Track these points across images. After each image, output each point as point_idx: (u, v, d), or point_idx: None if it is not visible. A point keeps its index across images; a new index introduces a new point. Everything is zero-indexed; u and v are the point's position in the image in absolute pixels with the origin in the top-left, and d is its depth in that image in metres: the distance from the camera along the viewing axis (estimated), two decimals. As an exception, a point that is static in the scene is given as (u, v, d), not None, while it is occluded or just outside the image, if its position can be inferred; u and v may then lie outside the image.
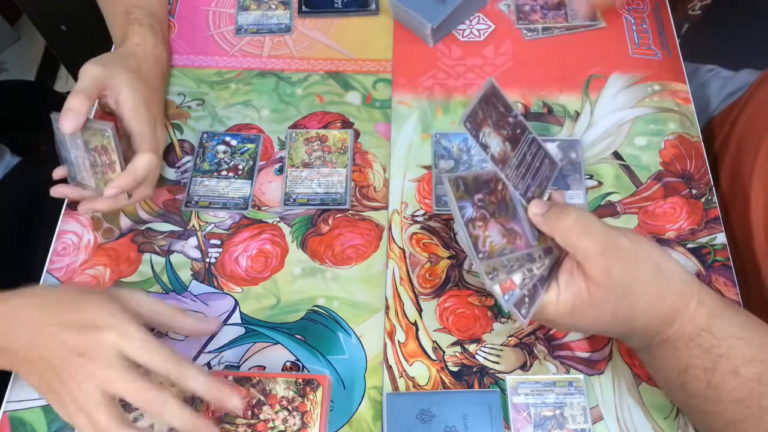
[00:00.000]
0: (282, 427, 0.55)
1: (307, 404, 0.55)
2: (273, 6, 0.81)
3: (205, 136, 0.72)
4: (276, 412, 0.55)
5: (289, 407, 0.55)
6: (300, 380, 0.56)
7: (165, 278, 0.63)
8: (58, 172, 0.64)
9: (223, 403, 0.50)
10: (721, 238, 0.64)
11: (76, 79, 0.62)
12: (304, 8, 0.81)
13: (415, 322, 0.61)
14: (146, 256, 0.65)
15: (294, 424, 0.55)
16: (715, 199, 0.66)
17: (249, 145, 0.71)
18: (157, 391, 0.48)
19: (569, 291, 0.49)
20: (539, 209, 0.50)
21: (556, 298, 0.49)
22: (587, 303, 0.48)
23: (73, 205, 0.68)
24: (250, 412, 0.55)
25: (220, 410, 0.54)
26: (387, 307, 0.61)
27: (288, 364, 0.59)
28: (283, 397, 0.56)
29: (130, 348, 0.49)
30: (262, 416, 0.55)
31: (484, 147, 0.49)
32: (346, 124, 0.72)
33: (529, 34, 0.78)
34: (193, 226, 0.66)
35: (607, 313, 0.48)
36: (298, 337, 0.60)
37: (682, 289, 0.48)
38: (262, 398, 0.55)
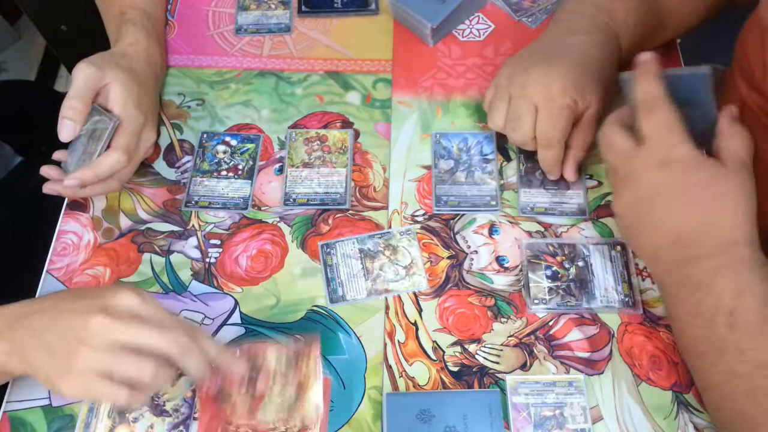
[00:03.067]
0: (278, 400, 0.54)
1: (303, 367, 0.55)
2: (273, 6, 0.81)
3: (205, 136, 0.72)
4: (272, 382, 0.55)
5: (285, 376, 0.55)
6: (291, 353, 0.56)
7: (165, 278, 0.63)
8: (57, 155, 0.63)
9: (231, 367, 0.53)
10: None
11: (75, 78, 0.62)
12: (303, 8, 0.81)
13: (415, 322, 0.61)
14: (146, 256, 0.65)
15: (290, 396, 0.54)
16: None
17: (249, 145, 0.71)
18: (180, 333, 0.50)
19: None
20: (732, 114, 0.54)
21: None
22: (709, 173, 0.51)
23: (74, 205, 0.68)
24: (244, 388, 0.54)
25: (227, 372, 0.54)
26: (387, 307, 0.61)
27: (288, 364, 0.59)
28: (276, 369, 0.55)
29: (144, 305, 0.50)
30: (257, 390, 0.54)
31: None
32: (346, 124, 0.72)
33: (530, 21, 0.78)
34: (193, 226, 0.66)
35: (712, 190, 0.51)
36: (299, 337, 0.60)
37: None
38: (254, 374, 0.55)
